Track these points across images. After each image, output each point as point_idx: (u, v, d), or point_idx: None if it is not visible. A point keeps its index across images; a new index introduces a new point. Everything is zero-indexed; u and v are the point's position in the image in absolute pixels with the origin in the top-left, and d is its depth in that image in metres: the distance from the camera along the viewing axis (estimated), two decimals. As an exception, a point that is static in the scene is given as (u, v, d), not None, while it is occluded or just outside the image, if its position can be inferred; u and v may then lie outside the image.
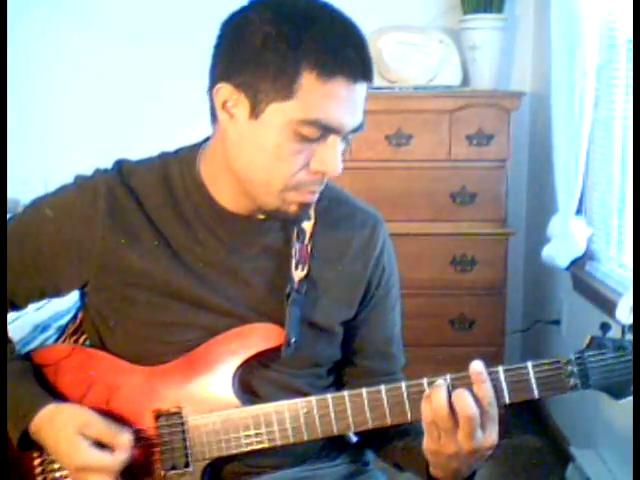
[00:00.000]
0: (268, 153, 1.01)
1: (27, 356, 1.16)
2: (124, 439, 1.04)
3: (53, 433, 1.05)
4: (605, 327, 1.03)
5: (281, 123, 0.99)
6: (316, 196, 1.07)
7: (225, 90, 1.01)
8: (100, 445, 1.03)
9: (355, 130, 1.03)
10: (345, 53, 0.98)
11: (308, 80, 0.97)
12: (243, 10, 1.02)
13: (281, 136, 1.00)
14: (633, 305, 1.57)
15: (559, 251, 2.44)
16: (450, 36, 2.75)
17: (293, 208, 1.06)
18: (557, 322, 2.69)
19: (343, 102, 0.99)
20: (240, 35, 1.00)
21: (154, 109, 2.91)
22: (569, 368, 1.02)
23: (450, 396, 0.99)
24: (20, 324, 1.37)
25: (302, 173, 1.02)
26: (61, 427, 1.04)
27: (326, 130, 1.00)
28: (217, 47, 1.03)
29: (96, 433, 1.04)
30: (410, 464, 1.16)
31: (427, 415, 1.00)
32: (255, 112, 1.00)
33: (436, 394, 0.99)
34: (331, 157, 1.01)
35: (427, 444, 1.02)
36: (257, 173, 1.04)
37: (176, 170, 1.13)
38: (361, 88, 1.01)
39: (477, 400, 0.98)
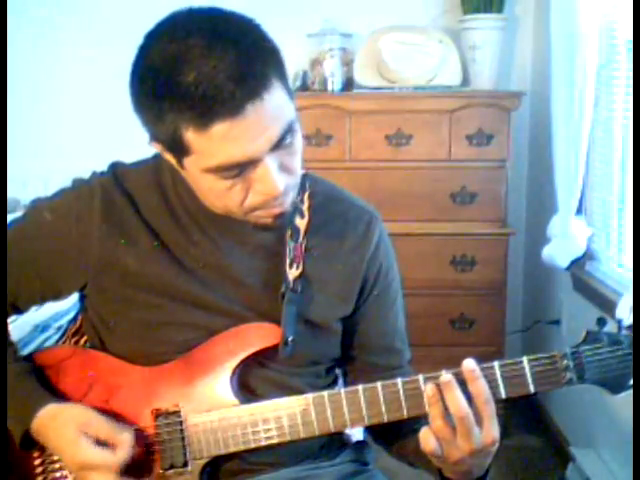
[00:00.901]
0: (208, 193, 1.02)
1: (29, 358, 1.16)
2: (125, 437, 1.04)
3: (55, 432, 1.05)
4: (601, 322, 1.03)
5: (199, 172, 0.97)
6: (287, 205, 1.04)
7: (154, 146, 1.02)
8: (101, 443, 1.04)
9: (285, 135, 0.96)
10: (216, 92, 0.89)
11: (190, 137, 0.93)
12: (131, 74, 0.99)
13: (207, 180, 0.98)
14: (633, 305, 1.56)
15: (559, 251, 2.44)
16: (450, 36, 2.75)
17: (269, 220, 1.05)
18: (557, 322, 2.69)
19: (237, 137, 0.91)
20: (133, 101, 0.98)
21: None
22: (565, 362, 1.02)
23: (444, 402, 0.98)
24: (20, 324, 1.37)
25: (251, 198, 1.00)
26: (63, 426, 1.05)
27: (242, 165, 0.95)
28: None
29: (97, 431, 1.04)
30: (423, 463, 1.14)
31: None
32: (179, 164, 1.00)
33: (432, 414, 0.99)
34: (265, 182, 0.97)
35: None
36: (214, 205, 1.05)
37: (168, 173, 1.13)
38: (256, 107, 0.91)
39: (472, 398, 0.98)
